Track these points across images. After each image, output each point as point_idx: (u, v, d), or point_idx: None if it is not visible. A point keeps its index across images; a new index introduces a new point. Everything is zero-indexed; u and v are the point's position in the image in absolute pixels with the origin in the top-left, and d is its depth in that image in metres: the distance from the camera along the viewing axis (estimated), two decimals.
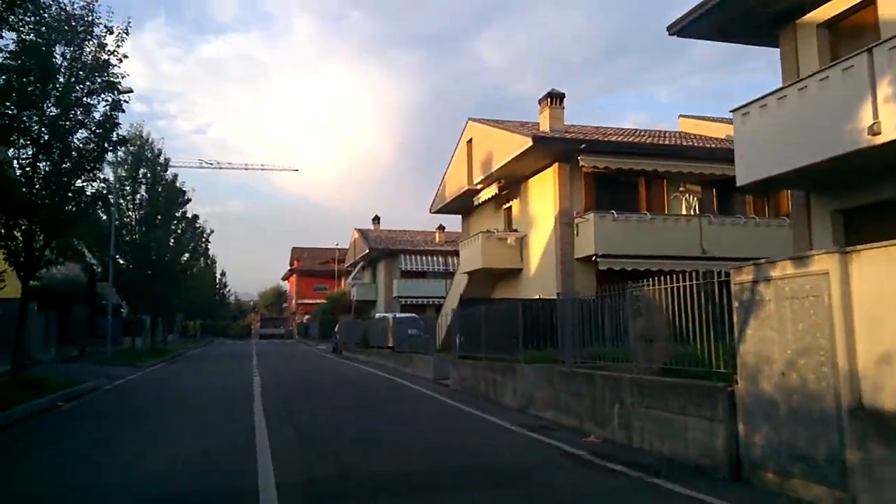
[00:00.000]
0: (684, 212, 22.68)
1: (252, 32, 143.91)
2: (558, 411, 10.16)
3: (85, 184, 13.69)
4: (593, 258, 20.73)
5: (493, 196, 25.92)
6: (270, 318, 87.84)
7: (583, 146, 21.20)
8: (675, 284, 7.81)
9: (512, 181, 24.94)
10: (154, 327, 46.77)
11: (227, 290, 74.22)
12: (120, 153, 25.60)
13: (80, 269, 28.80)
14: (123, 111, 14.04)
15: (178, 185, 29.13)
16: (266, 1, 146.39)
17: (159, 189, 26.84)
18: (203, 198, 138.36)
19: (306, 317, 79.18)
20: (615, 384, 8.60)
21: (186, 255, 31.36)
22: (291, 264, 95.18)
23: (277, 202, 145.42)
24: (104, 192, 14.38)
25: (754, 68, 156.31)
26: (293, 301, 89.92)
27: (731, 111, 12.98)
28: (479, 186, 26.74)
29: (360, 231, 56.51)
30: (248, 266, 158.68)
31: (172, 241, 28.43)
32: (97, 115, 13.85)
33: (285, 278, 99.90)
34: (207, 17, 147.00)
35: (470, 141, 27.67)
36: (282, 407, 12.71)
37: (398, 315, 33.03)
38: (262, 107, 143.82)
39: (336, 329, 37.57)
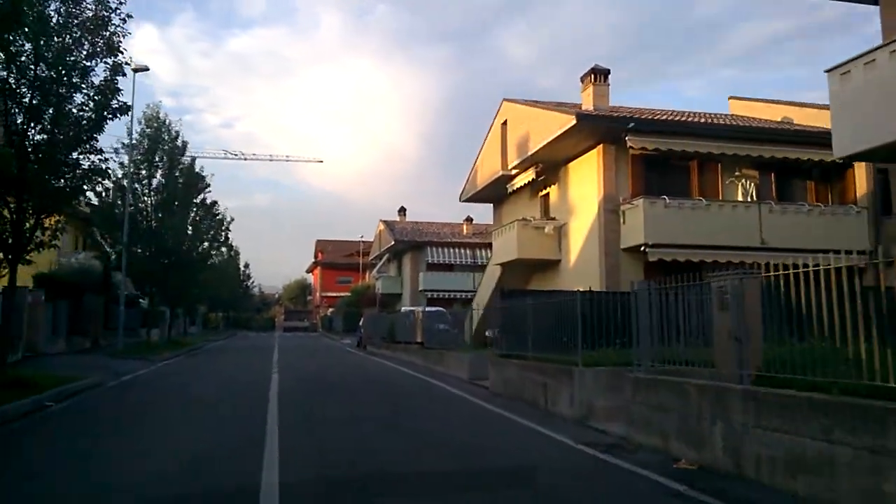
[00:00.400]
0: (740, 198, 20.65)
1: (278, 27, 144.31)
2: (631, 426, 8.35)
3: (81, 156, 12.14)
4: (642, 248, 18.79)
5: (528, 182, 24.07)
6: (295, 311, 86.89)
7: (631, 125, 19.21)
8: (809, 269, 5.96)
9: (550, 165, 23.06)
10: (174, 319, 45.81)
11: (251, 281, 73.22)
12: (135, 134, 24.30)
13: (94, 257, 27.61)
14: (125, 75, 12.48)
15: (196, 170, 27.70)
16: None
17: (177, 174, 25.42)
18: (229, 191, 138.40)
19: (330, 310, 78.05)
20: (717, 396, 6.74)
21: (205, 243, 29.83)
22: (315, 257, 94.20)
23: (302, 196, 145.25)
24: (104, 166, 12.76)
25: (784, 63, 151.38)
26: (317, 294, 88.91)
27: (826, 71, 11.16)
28: (513, 172, 24.90)
29: (386, 223, 54.97)
30: (273, 259, 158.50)
31: (190, 228, 26.91)
32: (96, 81, 12.29)
33: (309, 271, 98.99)
34: (234, 11, 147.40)
35: (504, 123, 25.78)
36: (302, 416, 11.04)
37: (427, 309, 31.41)
38: (288, 101, 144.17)
39: (360, 323, 36.08)
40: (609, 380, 9.41)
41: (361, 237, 73.45)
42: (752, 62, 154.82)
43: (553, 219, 23.33)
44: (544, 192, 24.58)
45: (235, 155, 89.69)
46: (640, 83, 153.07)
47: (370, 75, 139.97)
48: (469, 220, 54.00)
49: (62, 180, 11.99)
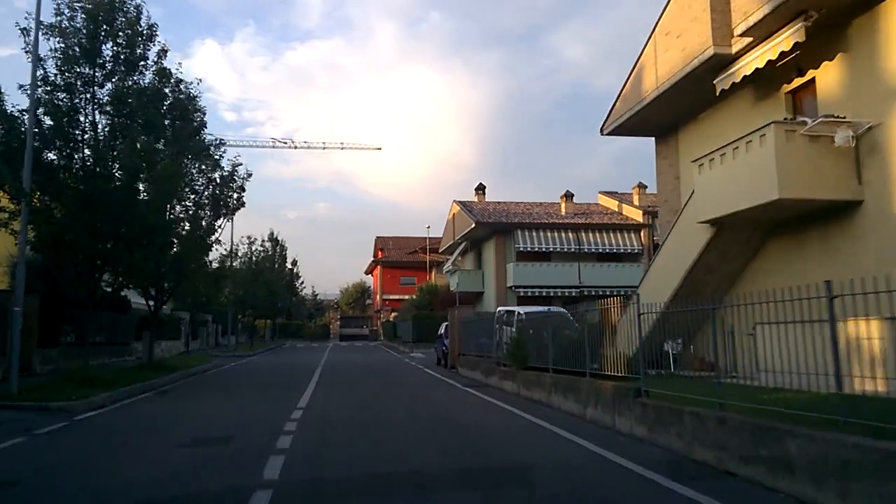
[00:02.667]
0: None
1: (334, 38, 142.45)
2: None
3: None
4: None
5: (775, 58, 12.45)
6: (352, 317, 76.81)
7: None
8: None
9: (821, 21, 11.54)
10: (197, 328, 35.88)
11: (300, 282, 63.08)
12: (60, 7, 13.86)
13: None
14: None
15: (190, 92, 17.10)
16: (348, 7, 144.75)
17: (139, 78, 14.80)
18: (289, 204, 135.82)
19: (393, 314, 67.54)
20: None
21: (198, 206, 18.95)
22: (375, 255, 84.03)
23: (359, 205, 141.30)
24: None
25: None
26: (377, 297, 78.61)
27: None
28: (736, 50, 13.34)
29: (461, 204, 43.84)
30: (331, 267, 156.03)
31: (163, 175, 15.81)
32: None
33: (369, 272, 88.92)
34: (292, 24, 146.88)
35: None
36: None
37: (552, 309, 20.36)
38: (345, 112, 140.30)
39: (442, 331, 24.91)
40: None
41: (428, 228, 62.79)
42: None
43: (842, 120, 11.55)
44: (802, 78, 12.93)
45: (285, 143, 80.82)
46: None
47: (426, 82, 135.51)
48: (568, 196, 42.40)
49: None
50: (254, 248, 42.66)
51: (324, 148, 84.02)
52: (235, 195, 19.65)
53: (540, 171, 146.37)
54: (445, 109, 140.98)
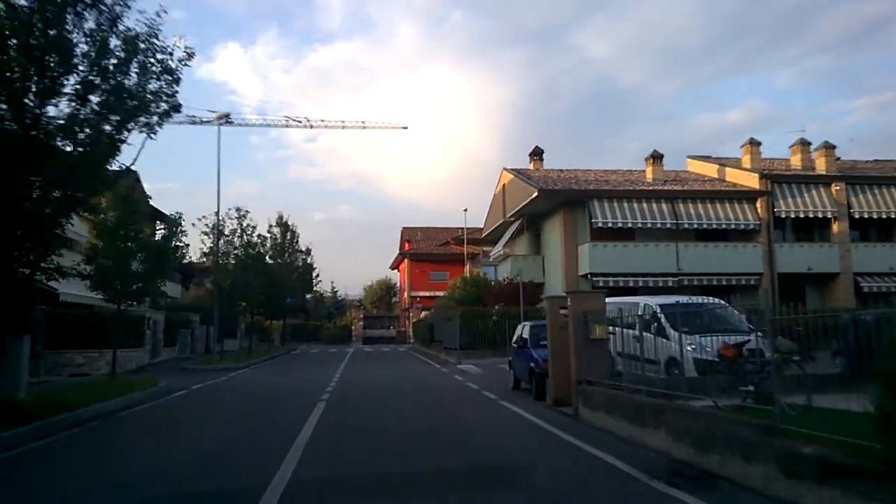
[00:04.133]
0: None
1: (357, 39, 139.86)
2: None
3: None
4: None
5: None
6: (377, 317, 67.72)
7: None
8: None
9: None
10: (181, 329, 27.40)
11: (316, 275, 53.77)
12: None
13: None
14: None
15: None
16: (369, 7, 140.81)
17: None
18: (312, 207, 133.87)
19: (423, 313, 58.31)
20: None
21: (80, 97, 9.87)
22: (401, 248, 74.90)
23: (380, 206, 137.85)
24: None
25: (883, 45, 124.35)
26: (405, 294, 69.48)
27: None
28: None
29: (516, 172, 34.38)
30: (355, 270, 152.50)
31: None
32: None
33: (394, 267, 79.85)
34: (315, 26, 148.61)
35: None
36: None
37: (706, 301, 11.25)
38: (367, 112, 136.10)
39: (524, 334, 15.25)
40: None
41: (465, 211, 53.73)
42: (848, 48, 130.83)
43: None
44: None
45: (299, 121, 71.75)
46: (731, 73, 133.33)
47: (449, 82, 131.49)
48: (656, 158, 32.70)
49: None
50: (246, 225, 33.13)
51: (343, 127, 74.59)
52: (157, 84, 10.44)
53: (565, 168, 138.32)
54: (467, 108, 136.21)
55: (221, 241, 30.95)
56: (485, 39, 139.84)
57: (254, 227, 33.28)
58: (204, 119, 68.80)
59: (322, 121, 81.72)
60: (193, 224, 30.77)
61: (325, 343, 55.93)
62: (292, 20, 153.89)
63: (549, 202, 30.39)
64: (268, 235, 44.58)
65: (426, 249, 69.09)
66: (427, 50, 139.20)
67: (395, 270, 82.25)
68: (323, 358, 34.10)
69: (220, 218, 30.98)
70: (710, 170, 34.36)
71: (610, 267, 28.94)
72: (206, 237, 31.13)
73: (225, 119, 69.93)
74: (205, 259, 36.59)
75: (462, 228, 74.06)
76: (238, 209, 32.80)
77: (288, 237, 45.02)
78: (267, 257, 41.22)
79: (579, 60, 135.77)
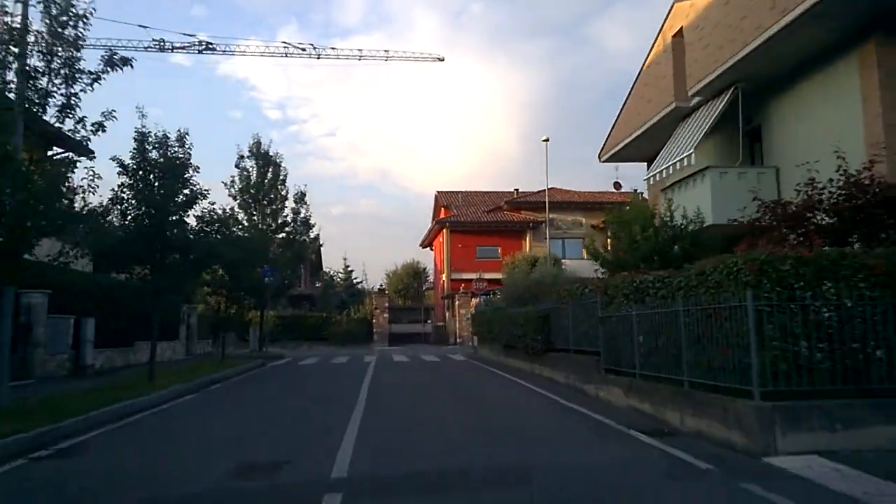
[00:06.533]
0: None
1: (376, 33, 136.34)
2: None
3: None
4: None
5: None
6: (407, 308, 50.44)
7: None
8: None
9: None
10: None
11: (315, 236, 34.29)
12: None
13: None
14: None
15: None
16: (389, 1, 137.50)
17: None
18: (334, 201, 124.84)
19: (475, 300, 40.81)
20: None
21: None
22: (436, 216, 57.46)
23: (402, 201, 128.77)
24: None
25: None
26: (442, 277, 52.12)
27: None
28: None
29: None
30: (375, 263, 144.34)
31: None
32: None
33: (426, 244, 62.55)
34: (333, 21, 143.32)
35: None
36: None
37: None
38: (387, 106, 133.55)
39: None
40: None
41: (545, 140, 36.00)
42: None
43: None
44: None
45: (303, 49, 54.92)
46: None
47: (469, 75, 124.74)
48: None
49: None
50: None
51: (360, 58, 57.67)
52: None
53: (587, 162, 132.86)
54: (488, 102, 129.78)
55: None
56: (506, 31, 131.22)
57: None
58: (177, 45, 52.35)
59: (333, 48, 63.61)
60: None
61: (334, 343, 38.56)
62: (311, 14, 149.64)
63: (836, 25, 12.60)
64: (235, 175, 27.63)
65: (473, 216, 51.74)
66: (446, 42, 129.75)
67: (428, 249, 64.82)
68: (313, 384, 16.62)
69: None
70: None
71: None
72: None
73: (205, 45, 52.79)
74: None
75: (516, 191, 56.59)
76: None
77: (269, 178, 27.66)
78: (237, 208, 24.40)
79: (597, 53, 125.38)
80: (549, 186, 55.97)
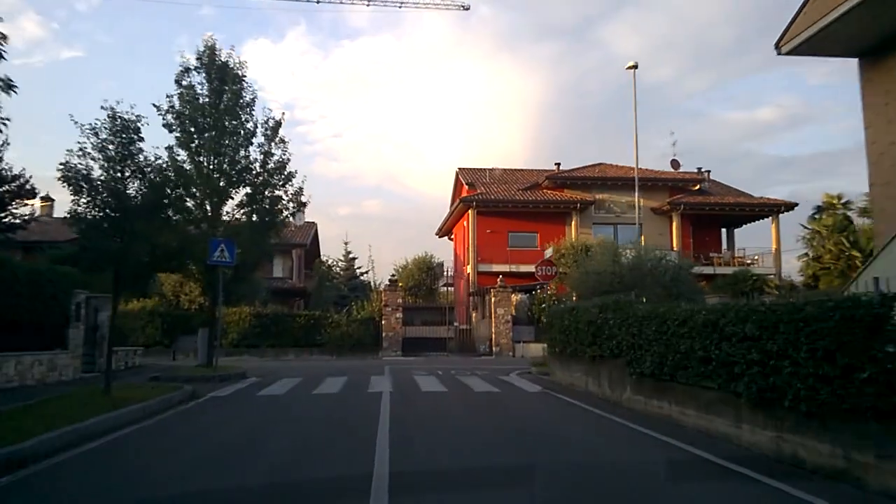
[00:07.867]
0: None
1: (384, 35, 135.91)
2: None
3: None
4: None
5: None
6: (423, 308, 40.51)
7: None
8: None
9: None
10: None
11: (297, 194, 23.71)
12: None
13: None
14: None
15: None
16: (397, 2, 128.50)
17: None
18: (341, 202, 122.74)
19: (516, 296, 30.84)
20: None
21: None
22: (457, 194, 47.47)
23: (409, 202, 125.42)
24: None
25: None
26: (466, 269, 42.13)
27: None
28: None
29: None
30: (381, 266, 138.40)
31: None
32: None
33: (444, 232, 52.74)
34: (342, 21, 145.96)
35: None
36: None
37: None
38: (395, 107, 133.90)
39: None
40: None
41: (632, 66, 25.66)
42: None
43: None
44: None
45: None
46: (761, 69, 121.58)
47: (477, 78, 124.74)
48: None
49: None
50: None
51: (368, 4, 47.70)
52: None
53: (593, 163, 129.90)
54: (495, 104, 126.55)
55: None
56: (513, 34, 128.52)
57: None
58: None
59: None
60: None
61: (330, 351, 28.68)
62: (320, 15, 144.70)
63: None
64: (174, 94, 18.00)
65: (503, 195, 41.91)
66: (455, 44, 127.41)
67: (446, 239, 54.91)
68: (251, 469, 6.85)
69: None
70: None
71: None
72: None
73: None
74: None
75: (557, 165, 46.63)
76: None
77: (227, 98, 17.79)
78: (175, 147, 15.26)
79: (607, 57, 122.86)
80: (598, 162, 46.46)
